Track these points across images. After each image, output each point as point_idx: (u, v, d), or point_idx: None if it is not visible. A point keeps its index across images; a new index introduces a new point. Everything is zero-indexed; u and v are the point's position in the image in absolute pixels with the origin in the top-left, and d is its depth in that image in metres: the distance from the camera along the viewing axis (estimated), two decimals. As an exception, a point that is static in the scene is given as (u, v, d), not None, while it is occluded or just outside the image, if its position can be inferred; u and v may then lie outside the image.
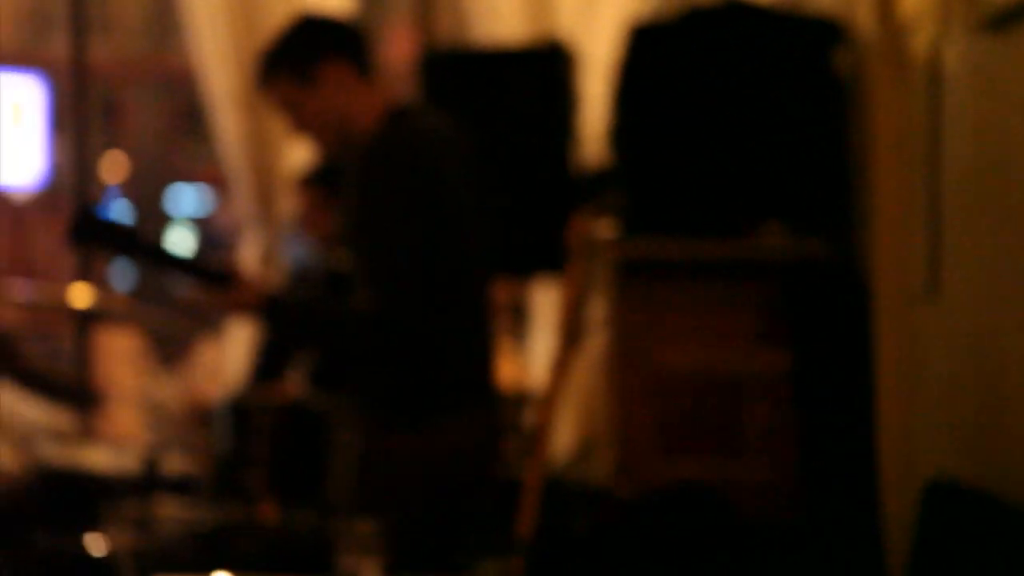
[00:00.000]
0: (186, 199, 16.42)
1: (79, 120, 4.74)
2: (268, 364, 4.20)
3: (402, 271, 2.66)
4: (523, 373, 4.84)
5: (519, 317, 4.78)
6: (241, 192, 4.97)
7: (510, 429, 4.35)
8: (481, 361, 2.85)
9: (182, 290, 2.71)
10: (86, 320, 3.53)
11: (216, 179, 15.68)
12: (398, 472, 2.74)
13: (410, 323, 2.67)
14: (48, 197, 14.15)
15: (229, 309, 2.71)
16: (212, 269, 2.67)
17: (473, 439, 2.79)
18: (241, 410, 3.43)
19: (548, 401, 2.37)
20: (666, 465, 3.30)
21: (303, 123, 2.80)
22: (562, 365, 2.35)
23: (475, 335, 2.84)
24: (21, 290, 3.97)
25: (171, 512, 3.60)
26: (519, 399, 4.32)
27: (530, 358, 4.99)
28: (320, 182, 4.06)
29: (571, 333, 2.35)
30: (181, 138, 15.36)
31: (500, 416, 2.98)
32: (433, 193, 2.69)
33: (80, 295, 3.54)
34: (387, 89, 2.86)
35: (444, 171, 2.73)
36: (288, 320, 2.73)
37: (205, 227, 15.88)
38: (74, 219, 2.62)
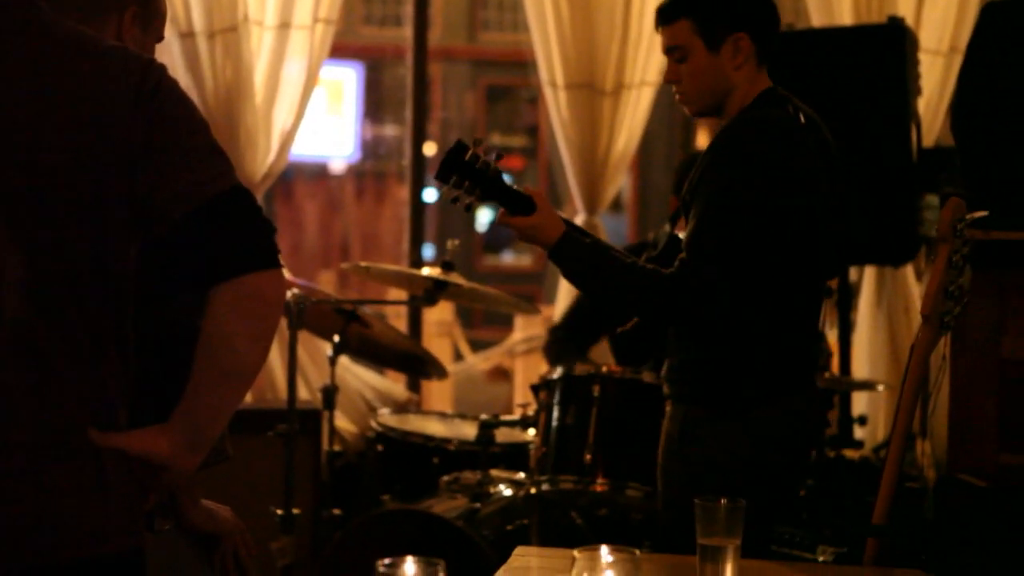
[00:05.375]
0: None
1: (418, 104, 4.97)
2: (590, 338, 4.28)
3: (717, 246, 2.64)
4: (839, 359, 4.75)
5: (842, 301, 4.69)
6: (569, 171, 5.09)
7: (826, 413, 4.27)
8: (806, 348, 2.82)
9: (497, 215, 2.79)
10: (430, 294, 3.67)
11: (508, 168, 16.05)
12: (715, 456, 2.72)
13: (703, 296, 2.65)
14: (360, 177, 14.82)
15: (535, 232, 2.74)
16: (523, 195, 2.77)
17: (793, 425, 2.75)
18: (572, 382, 3.51)
19: (908, 390, 2.34)
20: (1003, 458, 3.20)
21: (687, 78, 2.82)
22: (923, 354, 2.31)
23: (805, 323, 2.81)
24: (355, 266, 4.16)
25: (504, 481, 3.71)
26: (835, 383, 4.23)
27: (854, 345, 4.89)
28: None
29: (936, 321, 2.31)
30: (485, 123, 15.77)
31: (819, 404, 2.93)
32: (784, 180, 2.67)
33: (428, 270, 3.71)
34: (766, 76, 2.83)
35: (798, 159, 2.70)
36: (580, 255, 2.73)
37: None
38: (449, 151, 2.72)
